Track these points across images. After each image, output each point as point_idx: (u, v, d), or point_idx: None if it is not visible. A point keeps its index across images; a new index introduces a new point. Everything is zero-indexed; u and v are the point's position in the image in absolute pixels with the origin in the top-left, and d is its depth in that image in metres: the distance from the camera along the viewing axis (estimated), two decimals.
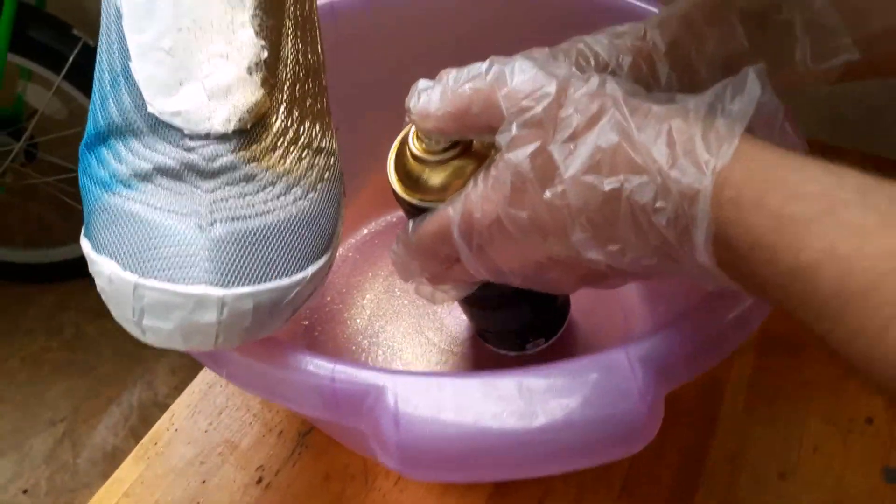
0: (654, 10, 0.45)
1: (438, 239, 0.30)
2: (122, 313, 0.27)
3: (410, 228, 0.32)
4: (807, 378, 0.43)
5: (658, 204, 0.23)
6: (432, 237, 0.30)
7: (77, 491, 0.98)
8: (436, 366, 0.45)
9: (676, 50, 0.32)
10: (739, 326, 0.29)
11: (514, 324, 0.41)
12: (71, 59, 0.92)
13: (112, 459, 1.00)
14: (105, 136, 0.30)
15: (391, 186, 0.32)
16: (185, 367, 1.08)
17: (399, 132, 0.34)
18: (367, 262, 0.51)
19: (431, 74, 0.30)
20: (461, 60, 0.32)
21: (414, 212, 0.32)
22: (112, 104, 0.30)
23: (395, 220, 0.53)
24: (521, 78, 0.26)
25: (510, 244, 0.28)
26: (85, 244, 0.29)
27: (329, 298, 0.49)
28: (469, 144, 0.30)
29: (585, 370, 0.27)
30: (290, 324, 0.30)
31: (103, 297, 0.28)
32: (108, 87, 0.30)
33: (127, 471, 0.40)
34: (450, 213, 0.29)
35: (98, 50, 0.32)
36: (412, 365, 0.45)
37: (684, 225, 0.23)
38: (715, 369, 0.29)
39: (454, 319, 0.47)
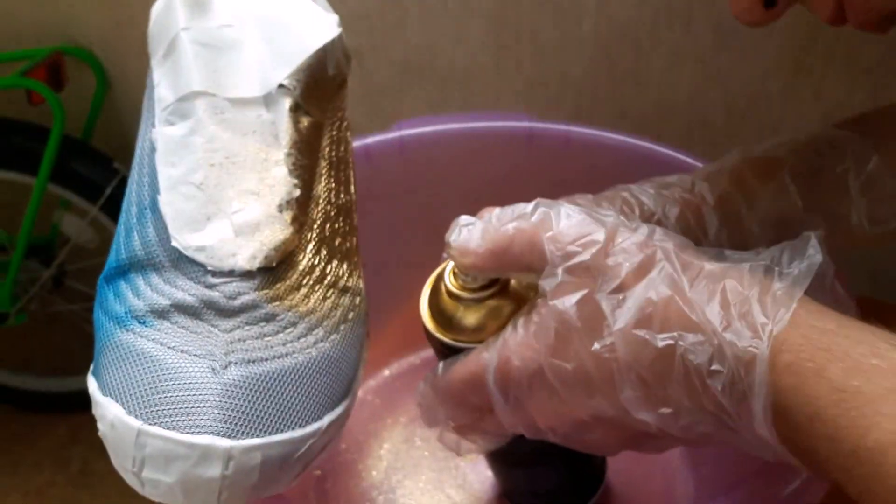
0: (691, 160, 0.45)
1: (471, 385, 0.28)
2: (121, 462, 0.25)
3: (441, 370, 0.30)
4: None
5: (714, 367, 0.22)
6: (464, 383, 0.28)
7: None
8: None
9: (726, 205, 0.31)
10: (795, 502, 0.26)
11: (546, 484, 0.37)
12: (109, 191, 0.94)
13: None
14: (125, 270, 0.29)
15: (423, 323, 0.31)
16: None
17: (428, 271, 0.33)
18: (387, 407, 0.48)
19: (465, 209, 0.30)
20: (491, 203, 0.31)
21: (446, 352, 0.30)
22: (136, 237, 0.29)
23: (419, 361, 0.51)
24: (567, 222, 0.25)
25: (551, 398, 0.26)
26: (91, 384, 0.27)
27: (344, 446, 0.46)
28: (507, 284, 0.29)
29: None
30: (301, 476, 0.28)
31: (105, 442, 0.26)
32: (135, 220, 0.30)
33: None
34: (485, 357, 0.27)
35: (128, 182, 0.31)
36: None
37: (741, 391, 0.21)
38: None
39: (478, 476, 0.43)
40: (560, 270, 0.25)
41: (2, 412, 1.17)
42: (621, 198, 0.31)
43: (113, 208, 0.96)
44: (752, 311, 0.21)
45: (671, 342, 0.22)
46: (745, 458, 0.32)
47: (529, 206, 0.27)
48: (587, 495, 0.38)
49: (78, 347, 1.12)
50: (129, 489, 0.25)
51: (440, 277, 0.31)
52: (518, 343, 0.26)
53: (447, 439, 0.32)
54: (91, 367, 0.28)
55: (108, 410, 0.25)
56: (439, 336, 0.30)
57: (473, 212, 0.29)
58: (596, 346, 0.24)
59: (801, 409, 0.20)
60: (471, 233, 0.27)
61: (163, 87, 0.32)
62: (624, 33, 0.71)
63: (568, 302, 0.24)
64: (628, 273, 0.23)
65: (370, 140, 0.47)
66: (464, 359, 0.28)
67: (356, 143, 0.45)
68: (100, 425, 0.26)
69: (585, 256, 0.24)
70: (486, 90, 0.80)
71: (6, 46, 0.96)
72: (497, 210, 0.28)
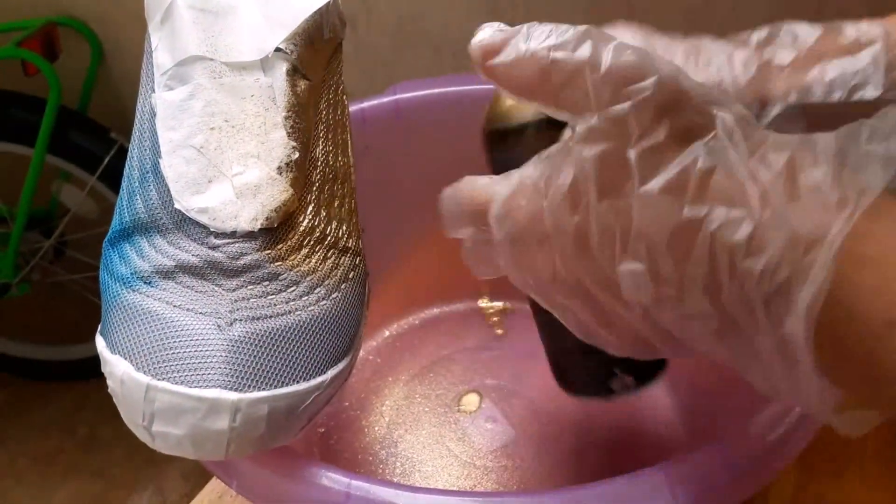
0: None
1: (474, 207, 0.25)
2: (132, 417, 0.26)
3: (466, 185, 0.26)
4: (849, 501, 0.40)
5: (754, 245, 0.18)
6: (470, 203, 0.25)
7: None
8: (457, 480, 0.42)
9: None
10: (783, 445, 0.27)
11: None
12: (106, 161, 0.95)
13: None
14: (130, 233, 0.30)
15: (483, 133, 0.32)
16: (196, 473, 1.04)
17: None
18: (388, 365, 0.49)
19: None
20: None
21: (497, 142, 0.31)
22: (139, 200, 0.30)
23: (418, 322, 0.52)
24: (620, 62, 0.20)
25: (544, 250, 0.23)
26: (100, 342, 0.28)
27: (347, 404, 0.47)
28: None
29: (622, 496, 0.24)
30: (306, 430, 0.29)
31: (114, 399, 0.27)
32: (137, 184, 0.30)
33: None
34: (496, 188, 0.24)
35: (129, 148, 0.32)
36: (432, 478, 0.42)
37: (784, 279, 0.18)
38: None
39: (477, 430, 0.45)
40: (598, 116, 0.21)
41: (8, 381, 1.19)
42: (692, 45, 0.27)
43: (111, 178, 0.96)
44: (824, 186, 0.18)
45: (700, 214, 0.19)
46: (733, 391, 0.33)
47: (571, 32, 0.22)
48: (644, 370, 0.32)
49: (80, 316, 1.14)
50: (135, 453, 0.26)
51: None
52: (530, 181, 0.23)
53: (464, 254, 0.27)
54: (99, 328, 0.29)
55: (117, 368, 0.26)
56: (489, 126, 0.31)
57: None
58: (604, 204, 0.20)
59: (879, 315, 0.17)
60: (495, 39, 0.23)
61: (161, 52, 0.32)
62: None
63: (593, 150, 0.20)
64: (673, 133, 0.20)
65: (365, 104, 0.47)
66: (481, 182, 0.25)
67: (352, 107, 0.46)
68: (109, 382, 0.27)
69: (626, 106, 0.20)
70: None
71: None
72: (525, 27, 0.23)
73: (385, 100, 0.48)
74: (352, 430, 0.45)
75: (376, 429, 0.45)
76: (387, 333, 0.51)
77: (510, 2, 0.75)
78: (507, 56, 0.22)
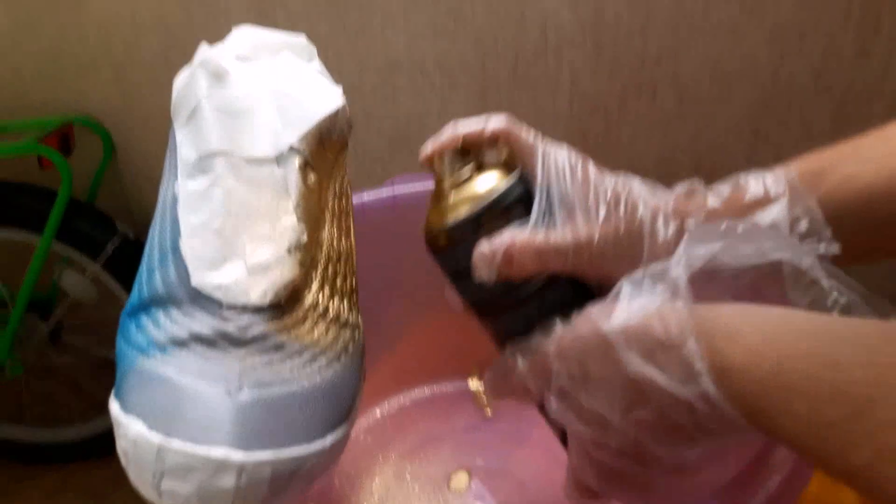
0: None
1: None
2: (141, 476, 0.28)
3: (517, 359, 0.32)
4: None
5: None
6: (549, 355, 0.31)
7: None
8: None
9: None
10: None
11: None
12: (110, 249, 0.98)
13: None
14: (147, 305, 0.32)
15: (427, 233, 0.36)
16: None
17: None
18: (378, 445, 0.51)
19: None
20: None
21: (441, 243, 0.35)
22: (158, 276, 0.33)
23: (408, 402, 0.54)
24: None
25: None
26: (114, 406, 0.30)
27: (337, 482, 0.48)
28: (481, 164, 0.35)
29: None
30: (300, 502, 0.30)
31: (124, 460, 0.29)
32: (157, 262, 0.33)
33: None
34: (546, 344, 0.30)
35: (150, 230, 0.35)
36: None
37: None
38: None
39: None
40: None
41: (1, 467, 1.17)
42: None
43: (113, 266, 0.99)
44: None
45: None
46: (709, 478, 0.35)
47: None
48: None
49: (70, 400, 1.14)
50: None
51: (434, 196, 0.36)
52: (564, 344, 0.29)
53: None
54: (113, 392, 0.31)
55: (131, 428, 0.28)
56: (442, 224, 0.34)
57: None
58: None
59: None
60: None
61: (185, 146, 0.36)
62: (595, 106, 0.77)
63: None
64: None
65: (365, 194, 0.51)
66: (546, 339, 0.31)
67: (353, 197, 0.49)
68: (121, 443, 0.29)
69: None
70: None
71: (22, 115, 1.01)
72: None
73: (383, 191, 0.52)
74: None
75: None
76: (378, 413, 0.53)
77: (496, 111, 0.81)
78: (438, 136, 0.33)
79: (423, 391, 0.54)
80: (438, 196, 0.36)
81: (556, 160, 0.33)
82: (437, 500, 0.46)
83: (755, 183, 0.32)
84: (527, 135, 0.34)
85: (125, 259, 0.97)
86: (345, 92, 0.40)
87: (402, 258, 0.51)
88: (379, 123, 0.86)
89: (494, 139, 0.35)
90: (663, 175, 0.77)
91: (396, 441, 0.50)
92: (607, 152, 0.79)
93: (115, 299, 1.02)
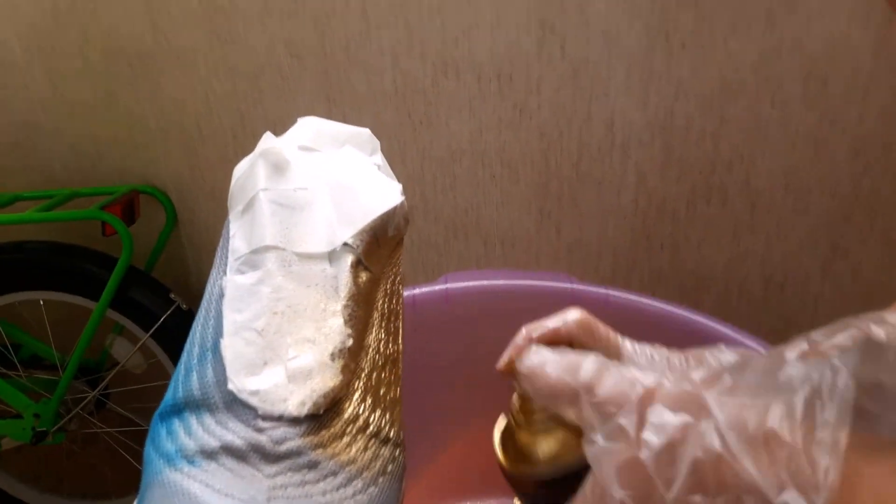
0: (727, 330, 0.46)
1: None
2: None
3: None
4: None
5: None
6: None
7: None
8: None
9: None
10: None
11: None
12: (162, 319, 0.98)
13: None
14: (181, 408, 0.30)
15: (499, 464, 0.32)
16: None
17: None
18: None
19: (498, 377, 0.31)
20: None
21: (522, 486, 0.31)
22: (195, 377, 0.31)
23: None
24: (612, 383, 0.25)
25: None
26: None
27: None
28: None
29: None
30: None
31: None
32: (195, 360, 0.32)
33: None
34: None
35: (193, 325, 0.34)
36: None
37: None
38: None
39: None
40: (600, 436, 0.24)
41: None
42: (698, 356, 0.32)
43: (164, 337, 0.99)
44: (801, 466, 0.21)
45: None
46: None
47: (583, 365, 0.27)
48: None
49: (109, 471, 1.12)
50: None
51: (509, 420, 0.32)
52: None
53: None
54: (136, 501, 0.29)
55: None
56: (515, 471, 0.31)
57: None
58: None
59: None
60: (543, 358, 0.28)
61: (238, 238, 0.35)
62: (662, 207, 0.74)
63: (612, 472, 0.24)
64: (673, 431, 0.23)
65: (417, 290, 0.49)
66: None
67: (405, 292, 0.48)
68: None
69: (621, 418, 0.24)
70: (528, 251, 0.83)
71: (90, 182, 1.05)
72: (549, 356, 0.28)
73: (436, 287, 0.50)
74: None
75: None
76: None
77: (558, 204, 0.79)
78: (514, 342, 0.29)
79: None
80: (524, 421, 0.32)
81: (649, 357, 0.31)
82: None
83: (711, 358, 0.30)
84: (605, 331, 0.32)
85: (176, 329, 0.98)
86: (406, 181, 0.39)
87: (450, 360, 0.49)
88: (437, 212, 0.85)
89: (569, 338, 0.33)
90: (731, 282, 0.73)
91: None
92: (673, 254, 0.76)
93: (162, 368, 1.01)
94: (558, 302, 0.51)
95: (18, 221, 0.94)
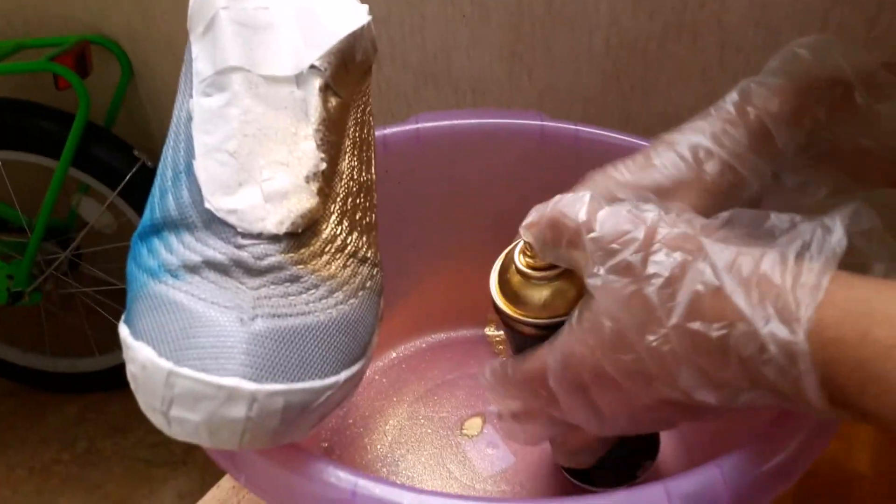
0: None
1: (538, 380, 0.30)
2: (150, 402, 0.27)
3: (510, 365, 0.31)
4: None
5: (764, 356, 0.23)
6: (531, 379, 0.30)
7: None
8: None
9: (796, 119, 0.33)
10: (782, 474, 0.28)
11: (630, 449, 0.38)
12: (128, 177, 0.97)
13: None
14: (159, 228, 0.31)
15: (492, 298, 0.33)
16: (192, 492, 1.04)
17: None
18: (393, 386, 0.50)
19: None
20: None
21: (517, 327, 0.32)
22: (171, 198, 0.31)
23: (425, 346, 0.53)
24: (611, 220, 0.26)
25: (613, 390, 0.27)
26: (123, 330, 0.29)
27: (351, 421, 0.47)
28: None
29: None
30: (309, 444, 0.29)
31: (133, 384, 0.28)
32: (170, 183, 0.32)
33: None
34: (548, 358, 0.29)
35: (164, 149, 0.33)
36: None
37: (793, 375, 0.23)
38: None
39: (478, 454, 0.45)
40: (603, 270, 0.26)
41: (12, 390, 1.19)
42: (688, 142, 0.32)
43: (131, 194, 0.98)
44: (787, 302, 0.23)
45: (724, 332, 0.23)
46: (734, 430, 0.34)
47: (579, 201, 0.28)
48: (657, 449, 0.40)
49: (90, 330, 1.15)
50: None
51: (510, 257, 0.33)
52: (576, 341, 0.27)
53: (507, 427, 0.33)
54: (123, 316, 0.30)
55: (140, 353, 0.27)
56: (507, 311, 0.32)
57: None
58: (650, 339, 0.25)
59: (852, 376, 0.21)
60: (539, 211, 0.29)
61: (201, 60, 0.34)
62: (633, 46, 0.73)
63: (617, 298, 0.25)
64: (673, 267, 0.25)
65: (388, 130, 0.49)
66: (530, 356, 0.30)
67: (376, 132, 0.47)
68: (130, 368, 0.28)
69: (626, 255, 0.25)
70: (499, 97, 0.82)
71: (36, 33, 0.99)
72: (565, 197, 0.29)
73: (407, 127, 0.50)
74: (354, 447, 0.46)
75: (379, 447, 0.46)
76: (393, 355, 0.52)
77: (530, 48, 0.77)
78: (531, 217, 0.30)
79: (439, 336, 0.53)
80: (510, 265, 0.33)
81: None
82: (450, 443, 0.46)
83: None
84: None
85: (144, 187, 0.96)
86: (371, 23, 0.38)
87: (424, 198, 0.49)
88: (404, 59, 0.83)
89: None
90: None
91: (412, 384, 0.50)
92: (643, 96, 0.76)
93: (134, 228, 1.01)
94: (529, 139, 0.51)
95: None
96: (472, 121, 0.51)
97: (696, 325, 0.24)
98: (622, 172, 0.33)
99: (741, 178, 0.32)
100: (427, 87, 0.84)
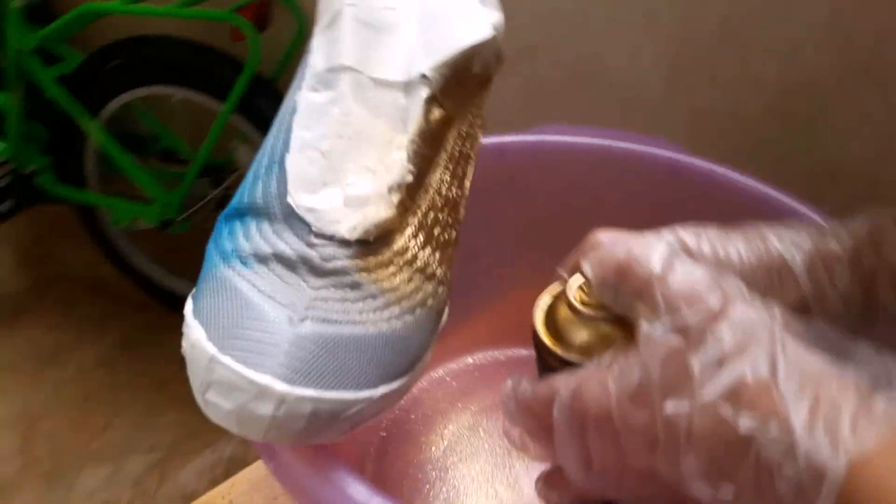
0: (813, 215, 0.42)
1: (545, 404, 0.28)
2: (194, 379, 0.29)
3: (525, 381, 0.30)
4: None
5: (785, 468, 0.21)
6: (539, 401, 0.29)
7: None
8: None
9: (860, 261, 0.29)
10: None
11: None
12: None
13: (187, 502, 1.03)
14: (244, 213, 0.32)
15: (533, 327, 0.32)
16: None
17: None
18: (462, 392, 0.49)
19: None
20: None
21: (547, 360, 0.31)
22: (261, 186, 0.32)
23: (503, 358, 0.52)
24: (685, 277, 0.25)
25: (610, 441, 0.26)
26: (188, 305, 0.30)
27: (413, 417, 0.48)
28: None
29: None
30: (368, 430, 0.29)
31: (185, 357, 0.29)
32: (263, 170, 0.33)
33: None
34: (560, 385, 0.27)
35: (267, 136, 0.34)
36: None
37: (808, 499, 0.21)
38: None
39: (530, 480, 0.44)
40: (661, 323, 0.24)
41: (150, 306, 1.31)
42: (758, 234, 0.30)
43: None
44: (839, 423, 0.21)
45: (753, 426, 0.22)
46: None
47: (655, 250, 0.26)
48: None
49: None
50: None
51: (562, 291, 0.31)
52: (596, 379, 0.26)
53: (511, 433, 0.32)
54: (192, 291, 0.31)
55: (193, 332, 0.28)
56: (547, 343, 0.31)
57: (586, 231, 0.30)
58: (672, 405, 0.23)
59: None
60: (607, 251, 0.28)
61: (317, 54, 0.34)
62: (810, 81, 0.67)
63: (657, 356, 0.24)
64: (731, 346, 0.23)
65: (507, 138, 0.48)
66: (547, 380, 0.29)
67: (493, 140, 0.46)
68: (184, 342, 0.29)
69: (691, 318, 0.24)
70: (650, 112, 0.78)
71: None
72: (628, 239, 0.28)
73: (528, 138, 0.49)
74: (410, 443, 0.46)
75: (433, 449, 0.46)
76: (469, 360, 0.52)
77: (693, 67, 0.73)
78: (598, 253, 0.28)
79: (519, 352, 0.52)
80: (560, 297, 0.31)
81: None
82: (504, 463, 0.45)
83: None
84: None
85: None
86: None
87: (529, 212, 0.48)
88: (558, 56, 0.81)
89: None
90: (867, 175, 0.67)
91: (480, 392, 0.49)
92: (807, 137, 0.69)
93: None
94: (655, 170, 0.48)
95: (152, 13, 0.98)
96: (596, 141, 0.49)
97: (726, 411, 0.22)
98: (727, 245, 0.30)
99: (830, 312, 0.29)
100: (577, 87, 0.82)
